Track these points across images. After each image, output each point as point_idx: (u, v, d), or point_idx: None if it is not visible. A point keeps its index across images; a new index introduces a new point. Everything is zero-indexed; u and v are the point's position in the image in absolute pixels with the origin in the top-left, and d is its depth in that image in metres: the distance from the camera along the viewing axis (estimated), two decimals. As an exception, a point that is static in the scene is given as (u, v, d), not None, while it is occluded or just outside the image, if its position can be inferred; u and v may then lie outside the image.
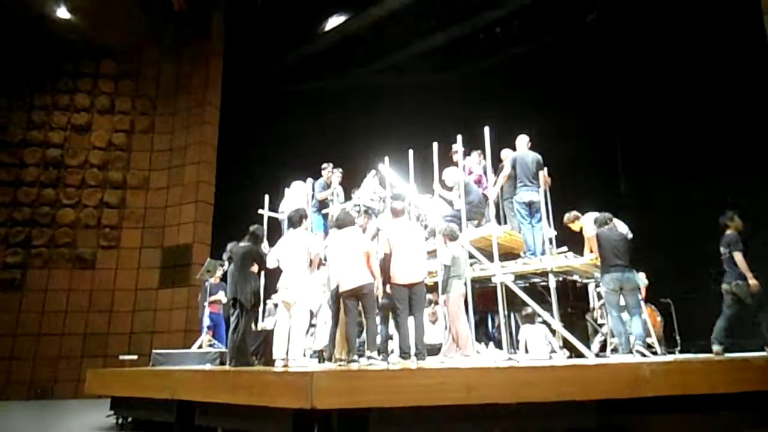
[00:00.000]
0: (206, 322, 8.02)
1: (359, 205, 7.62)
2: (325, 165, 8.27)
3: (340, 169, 8.35)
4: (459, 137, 6.44)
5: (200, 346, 7.72)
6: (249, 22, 12.84)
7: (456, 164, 7.06)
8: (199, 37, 12.29)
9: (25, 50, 11.60)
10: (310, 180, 8.12)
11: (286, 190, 8.16)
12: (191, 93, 11.99)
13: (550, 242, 6.51)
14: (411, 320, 5.24)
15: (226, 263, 6.24)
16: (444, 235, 5.81)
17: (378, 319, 5.52)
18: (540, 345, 5.99)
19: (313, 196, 8.03)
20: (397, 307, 5.14)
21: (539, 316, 5.85)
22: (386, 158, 7.19)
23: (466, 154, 7.36)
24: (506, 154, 7.01)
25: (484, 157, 6.68)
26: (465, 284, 5.63)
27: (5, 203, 10.97)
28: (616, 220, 6.04)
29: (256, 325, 6.50)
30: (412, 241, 5.34)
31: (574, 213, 6.57)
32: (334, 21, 13.11)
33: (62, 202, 11.21)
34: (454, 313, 5.50)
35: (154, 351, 7.47)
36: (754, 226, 8.27)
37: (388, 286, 5.27)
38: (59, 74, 11.83)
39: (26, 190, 11.12)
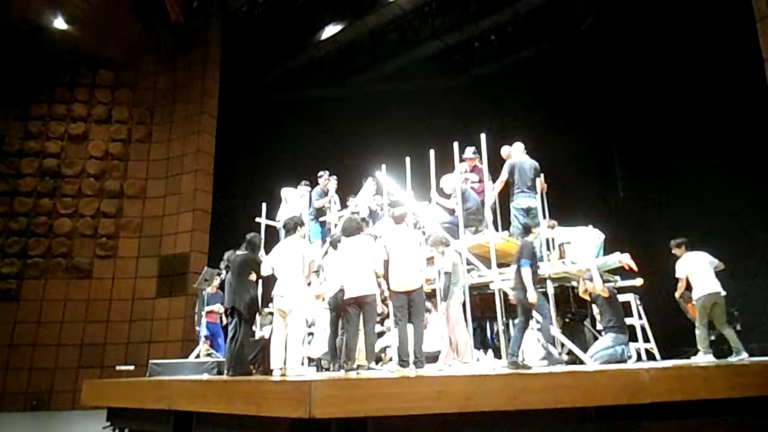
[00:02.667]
0: (203, 331, 7.98)
1: (357, 213, 7.62)
2: (321, 173, 8.27)
3: (335, 177, 8.36)
4: (455, 144, 6.45)
5: (198, 356, 7.68)
6: (246, 31, 12.89)
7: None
8: (196, 47, 12.33)
9: (22, 61, 11.61)
10: (302, 185, 8.09)
11: (282, 196, 8.15)
12: (188, 102, 12.01)
13: (548, 249, 6.51)
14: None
15: (224, 272, 6.22)
16: (437, 244, 5.82)
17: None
18: (532, 351, 5.96)
19: (310, 204, 8.02)
20: (396, 314, 5.13)
21: (537, 322, 5.83)
22: (383, 165, 7.19)
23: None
24: (506, 152, 7.03)
25: (480, 162, 6.72)
26: (463, 291, 5.62)
27: (1, 213, 10.95)
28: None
29: (253, 334, 6.47)
30: (409, 248, 5.33)
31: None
32: (331, 29, 13.17)
33: (59, 212, 11.18)
34: (454, 320, 5.49)
35: (151, 361, 7.42)
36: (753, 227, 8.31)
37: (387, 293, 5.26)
38: (56, 84, 11.85)
39: (23, 199, 11.09)
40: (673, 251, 6.34)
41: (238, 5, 12.57)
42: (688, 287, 6.13)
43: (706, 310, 5.96)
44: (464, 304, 5.63)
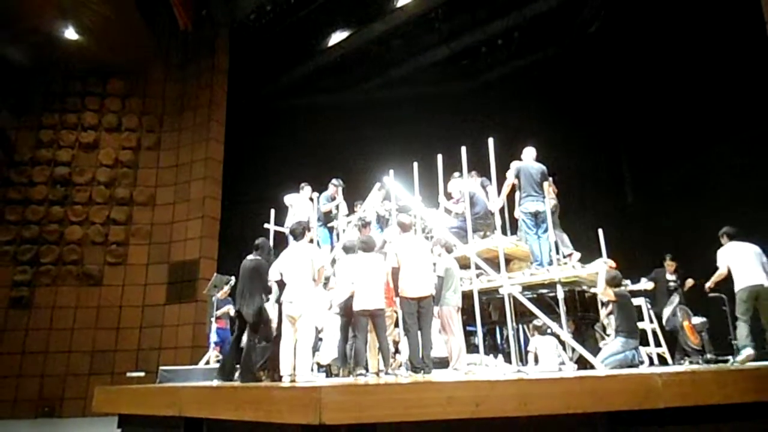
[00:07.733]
0: (213, 337, 8.01)
1: (363, 218, 7.62)
2: (336, 182, 8.26)
3: (342, 184, 8.37)
4: (463, 149, 6.45)
5: (207, 362, 7.70)
6: (254, 39, 13.00)
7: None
8: (204, 55, 12.43)
9: (34, 70, 11.78)
10: (304, 187, 8.11)
11: (287, 203, 8.16)
12: (197, 110, 12.10)
13: (557, 252, 6.47)
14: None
15: (233, 279, 6.24)
16: (437, 244, 5.83)
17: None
18: (550, 356, 5.93)
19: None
20: (406, 321, 5.15)
21: (549, 327, 5.80)
22: (391, 171, 7.21)
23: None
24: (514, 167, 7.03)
25: (479, 175, 6.77)
26: (460, 296, 5.60)
27: (14, 221, 11.06)
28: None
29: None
30: (419, 255, 5.35)
31: None
32: (338, 36, 13.26)
33: (70, 220, 11.28)
34: (445, 325, 5.47)
35: (161, 368, 7.45)
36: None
37: (397, 301, 5.28)
38: (67, 93, 12.00)
39: (35, 208, 11.21)
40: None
41: (246, 13, 12.68)
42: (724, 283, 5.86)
43: (747, 304, 5.56)
44: (471, 310, 5.62)
